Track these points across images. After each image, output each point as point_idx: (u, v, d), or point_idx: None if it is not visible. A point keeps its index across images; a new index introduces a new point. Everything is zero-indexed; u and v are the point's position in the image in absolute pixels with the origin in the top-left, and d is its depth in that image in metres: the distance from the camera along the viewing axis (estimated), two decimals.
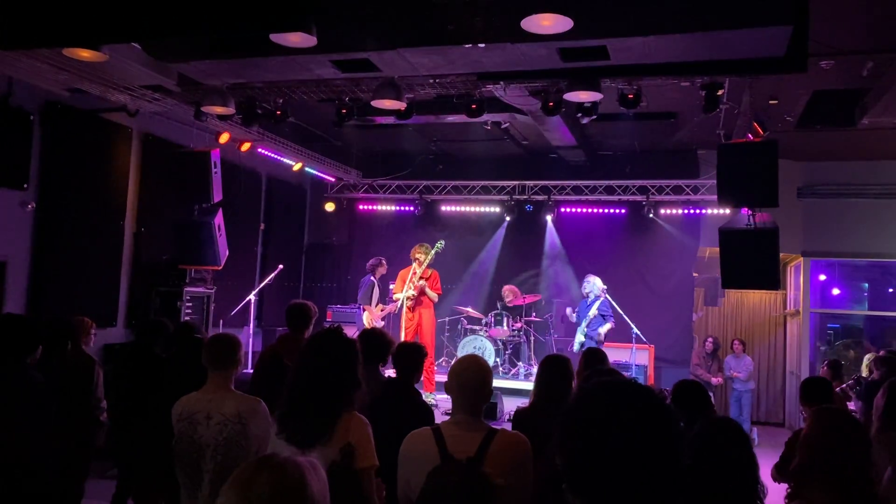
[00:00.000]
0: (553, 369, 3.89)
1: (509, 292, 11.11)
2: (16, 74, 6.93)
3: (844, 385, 7.26)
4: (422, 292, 9.10)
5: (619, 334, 9.76)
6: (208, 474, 3.26)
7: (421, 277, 9.12)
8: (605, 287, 9.41)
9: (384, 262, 9.92)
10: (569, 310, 10.00)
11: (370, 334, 4.66)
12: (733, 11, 4.98)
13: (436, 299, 9.39)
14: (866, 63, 6.61)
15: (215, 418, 3.29)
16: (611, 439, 1.29)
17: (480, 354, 10.10)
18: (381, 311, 9.61)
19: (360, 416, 2.84)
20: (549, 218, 11.68)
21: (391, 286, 10.55)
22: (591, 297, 9.42)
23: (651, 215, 11.14)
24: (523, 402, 4.87)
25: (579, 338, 9.35)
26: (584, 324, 9.35)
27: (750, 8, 4.95)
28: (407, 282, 9.12)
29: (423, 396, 4.66)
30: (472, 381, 2.74)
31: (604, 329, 9.24)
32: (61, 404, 4.40)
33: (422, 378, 5.54)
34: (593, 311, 9.25)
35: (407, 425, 2.86)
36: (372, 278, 9.73)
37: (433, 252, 9.21)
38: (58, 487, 4.43)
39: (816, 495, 2.43)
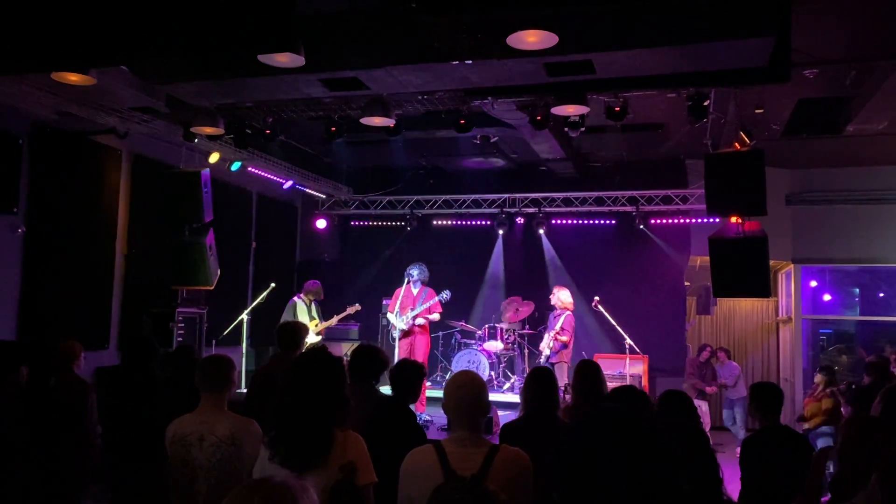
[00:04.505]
0: (538, 382, 3.91)
1: (509, 306, 11.06)
2: (4, 99, 6.92)
3: (835, 388, 7.30)
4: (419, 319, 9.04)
5: (613, 345, 9.77)
6: (202, 496, 3.24)
7: (425, 305, 9.01)
8: (572, 301, 9.41)
9: (321, 291, 9.59)
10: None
11: (364, 350, 4.62)
12: (716, 24, 5.05)
13: (437, 319, 9.34)
14: (849, 71, 6.69)
15: (208, 440, 3.28)
16: (605, 472, 1.28)
17: (475, 368, 10.13)
18: (317, 328, 9.48)
19: (355, 433, 2.83)
20: (539, 230, 11.72)
21: (385, 302, 10.52)
22: (556, 311, 9.44)
23: (641, 226, 11.19)
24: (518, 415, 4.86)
25: (546, 351, 9.33)
26: (551, 334, 9.34)
27: (732, 20, 5.02)
28: (398, 303, 9.04)
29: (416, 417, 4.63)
30: (467, 397, 2.76)
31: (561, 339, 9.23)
32: (54, 429, 4.38)
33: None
34: (558, 326, 9.22)
35: (400, 446, 2.85)
36: (299, 298, 9.44)
37: (428, 284, 9.19)
38: None
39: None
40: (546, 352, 9.31)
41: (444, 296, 9.29)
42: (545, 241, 11.91)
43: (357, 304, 9.81)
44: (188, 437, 3.32)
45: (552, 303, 9.59)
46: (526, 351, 11.27)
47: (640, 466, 1.27)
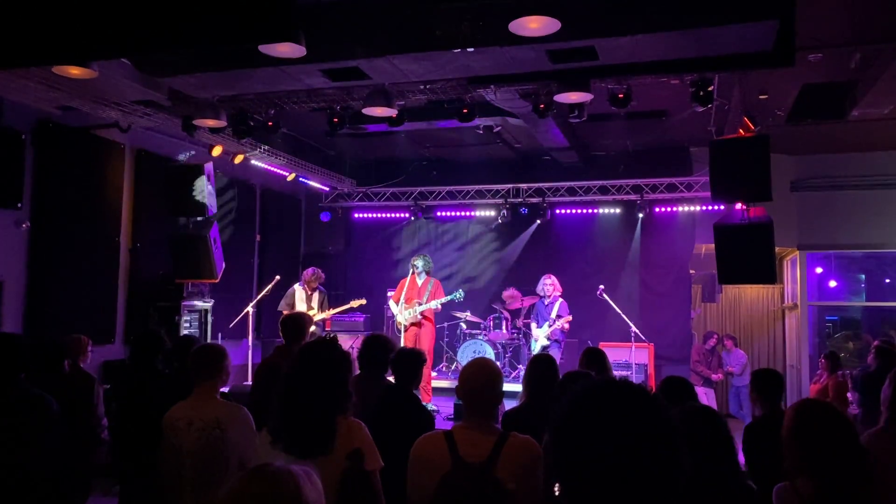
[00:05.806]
0: (540, 369, 3.91)
1: (510, 297, 11.09)
2: (6, 94, 6.92)
3: (844, 372, 7.25)
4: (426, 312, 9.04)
5: (619, 333, 9.76)
6: (189, 480, 3.29)
7: (431, 296, 9.01)
8: (562, 289, 9.48)
9: (317, 278, 9.36)
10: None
11: (373, 340, 4.65)
12: (719, 7, 5.01)
13: (440, 309, 9.34)
14: (854, 55, 6.63)
15: (196, 424, 3.35)
16: (606, 442, 1.23)
17: None
18: (315, 318, 9.41)
19: (357, 420, 2.83)
20: (542, 220, 11.69)
21: (389, 293, 10.53)
22: (549, 299, 9.43)
23: (645, 214, 11.16)
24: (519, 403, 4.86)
25: (542, 341, 9.32)
26: (545, 325, 9.34)
27: (736, 3, 4.98)
28: (402, 296, 9.03)
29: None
30: (480, 385, 2.75)
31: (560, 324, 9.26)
32: (62, 423, 4.39)
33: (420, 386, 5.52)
34: (554, 313, 9.25)
35: (408, 431, 2.85)
36: (299, 286, 9.33)
37: (432, 277, 9.17)
38: None
39: (805, 485, 2.43)
40: (543, 341, 9.29)
41: (458, 296, 9.26)
42: (550, 230, 11.88)
43: (363, 299, 9.75)
44: (177, 423, 3.40)
45: (541, 292, 9.58)
46: (531, 340, 11.29)
47: (643, 438, 1.23)
